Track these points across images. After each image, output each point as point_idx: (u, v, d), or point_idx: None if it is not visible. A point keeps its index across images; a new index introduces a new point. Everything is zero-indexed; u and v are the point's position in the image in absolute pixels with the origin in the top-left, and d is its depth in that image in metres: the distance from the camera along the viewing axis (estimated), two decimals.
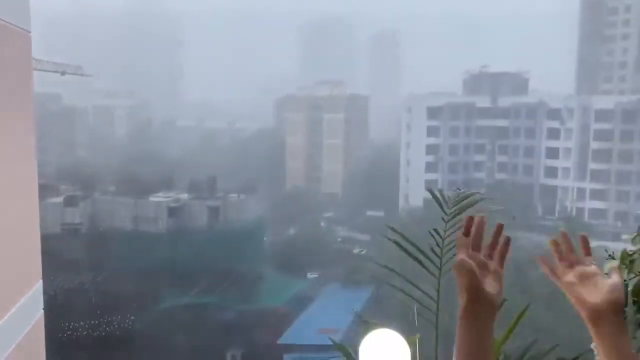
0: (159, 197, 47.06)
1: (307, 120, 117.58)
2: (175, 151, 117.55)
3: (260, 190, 52.90)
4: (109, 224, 45.43)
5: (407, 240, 4.09)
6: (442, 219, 4.00)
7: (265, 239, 53.96)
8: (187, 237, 45.13)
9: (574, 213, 75.01)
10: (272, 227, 67.18)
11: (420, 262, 4.06)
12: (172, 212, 45.50)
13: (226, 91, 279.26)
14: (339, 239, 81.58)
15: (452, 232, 3.77)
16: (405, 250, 4.05)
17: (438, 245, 3.94)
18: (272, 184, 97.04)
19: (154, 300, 43.14)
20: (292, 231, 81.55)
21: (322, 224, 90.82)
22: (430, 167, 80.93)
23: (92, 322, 36.70)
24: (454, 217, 3.84)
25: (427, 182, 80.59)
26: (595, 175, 74.71)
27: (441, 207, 4.02)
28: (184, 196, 47.74)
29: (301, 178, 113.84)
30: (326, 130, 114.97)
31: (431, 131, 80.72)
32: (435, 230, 4.00)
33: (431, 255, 3.99)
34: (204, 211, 46.31)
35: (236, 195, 48.07)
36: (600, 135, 74.38)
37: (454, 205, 3.90)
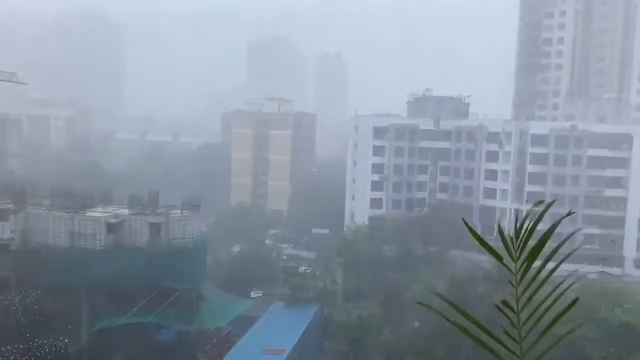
0: (97, 212, 45.10)
1: (254, 136, 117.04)
2: (115, 164, 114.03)
3: (204, 206, 51.70)
4: (42, 239, 42.99)
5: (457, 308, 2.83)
6: (507, 267, 2.72)
7: (208, 256, 52.64)
8: (127, 254, 43.35)
9: (511, 234, 77.70)
10: (216, 245, 65.94)
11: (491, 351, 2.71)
12: (111, 228, 43.62)
13: (171, 104, 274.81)
14: (285, 257, 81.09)
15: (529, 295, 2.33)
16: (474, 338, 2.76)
17: (513, 325, 2.77)
18: (217, 200, 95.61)
19: (90, 320, 41.12)
20: (236, 248, 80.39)
21: (267, 241, 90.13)
22: (375, 186, 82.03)
23: (21, 346, 34.41)
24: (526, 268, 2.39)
25: (373, 200, 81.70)
26: (532, 197, 77.91)
27: (509, 251, 2.75)
28: (124, 211, 45.94)
29: (247, 194, 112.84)
30: (273, 146, 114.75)
31: (377, 150, 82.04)
32: (505, 302, 2.80)
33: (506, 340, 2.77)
34: (145, 227, 44.66)
35: (179, 211, 46.72)
36: (536, 159, 77.81)
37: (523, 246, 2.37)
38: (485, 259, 67.33)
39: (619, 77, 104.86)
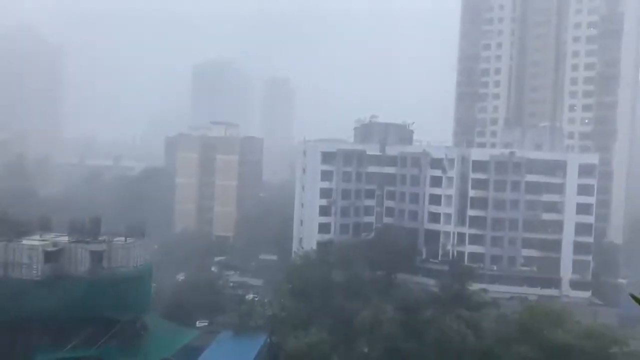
0: (34, 241, 42.77)
1: (199, 160, 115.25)
2: (53, 190, 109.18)
3: (148, 233, 50.06)
4: None
5: None
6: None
7: (153, 285, 50.81)
8: (66, 285, 41.20)
9: (455, 257, 79.47)
10: (161, 273, 63.79)
11: None
12: (49, 256, 41.39)
13: (112, 127, 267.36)
14: (232, 284, 79.39)
15: None
16: None
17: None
18: (161, 226, 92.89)
19: (26, 356, 38.57)
20: (181, 276, 78.10)
21: (213, 268, 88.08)
22: (323, 211, 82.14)
23: None
24: None
25: (321, 225, 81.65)
26: (474, 221, 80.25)
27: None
28: (64, 239, 43.82)
29: (192, 220, 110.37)
30: (219, 171, 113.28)
31: (325, 175, 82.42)
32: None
33: None
34: (86, 256, 42.72)
35: (122, 238, 45.05)
36: (478, 185, 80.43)
37: None
38: (432, 283, 68.66)
39: (551, 107, 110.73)
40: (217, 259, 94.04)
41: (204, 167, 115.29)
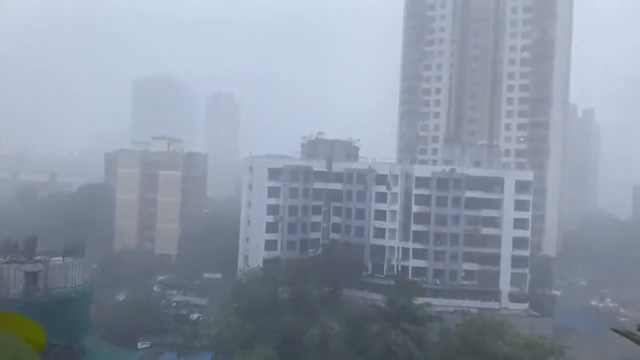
0: None
1: (141, 176, 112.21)
2: None
3: (87, 252, 48.18)
4: None
5: None
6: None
7: (92, 306, 48.75)
8: None
9: (399, 271, 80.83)
10: (100, 293, 61.33)
11: None
12: None
13: (48, 142, 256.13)
14: (175, 304, 77.23)
15: None
16: None
17: None
18: (101, 244, 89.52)
19: None
20: (122, 296, 75.35)
21: (155, 288, 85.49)
22: (270, 227, 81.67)
23: None
24: None
25: (267, 242, 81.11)
26: (417, 236, 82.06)
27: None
28: None
29: (133, 238, 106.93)
30: (162, 187, 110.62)
31: (272, 192, 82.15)
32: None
33: None
34: (20, 277, 40.60)
35: (60, 258, 43.13)
36: (420, 200, 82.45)
37: None
38: (378, 298, 69.41)
39: (489, 126, 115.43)
40: (159, 277, 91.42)
41: (145, 184, 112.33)
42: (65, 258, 43.45)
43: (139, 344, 60.17)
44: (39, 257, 42.91)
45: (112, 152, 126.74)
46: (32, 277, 41.12)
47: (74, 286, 43.03)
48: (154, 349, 58.79)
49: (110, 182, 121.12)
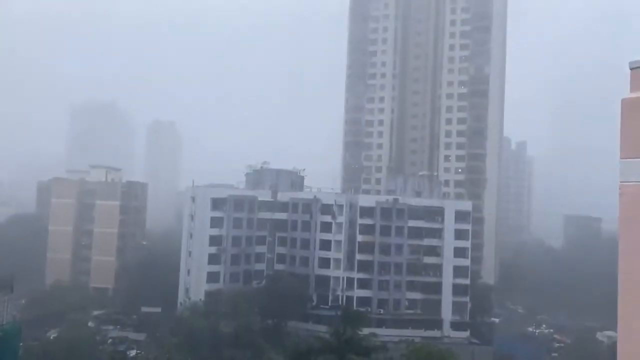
0: None
1: (76, 206, 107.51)
2: None
3: (16, 287, 45.19)
4: None
5: None
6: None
7: (20, 345, 45.52)
8: None
9: (344, 302, 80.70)
10: (30, 330, 57.48)
11: None
12: None
13: None
14: (110, 340, 73.43)
15: None
16: None
17: None
18: (31, 278, 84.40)
19: None
20: (53, 334, 70.96)
21: (90, 323, 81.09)
22: (212, 259, 79.82)
23: None
24: None
25: (209, 274, 79.13)
26: (361, 266, 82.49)
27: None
28: None
29: (66, 271, 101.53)
30: (99, 218, 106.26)
31: (214, 222, 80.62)
32: None
33: None
34: None
35: None
36: (365, 230, 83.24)
37: None
38: (323, 329, 68.76)
39: (429, 157, 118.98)
40: (95, 312, 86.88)
41: (81, 214, 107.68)
42: None
43: None
44: None
45: (46, 181, 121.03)
46: None
47: (1, 324, 40.06)
48: None
49: (43, 212, 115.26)
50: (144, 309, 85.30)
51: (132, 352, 64.06)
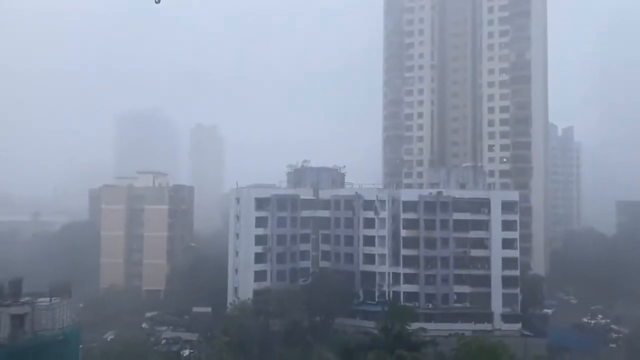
0: None
1: (126, 212, 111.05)
2: None
3: (73, 291, 47.12)
4: None
5: None
6: None
7: (80, 347, 47.48)
8: None
9: (391, 297, 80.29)
10: (88, 333, 59.88)
11: None
12: None
13: (27, 181, 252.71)
14: (164, 341, 75.57)
15: None
16: None
17: None
18: (87, 283, 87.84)
19: None
20: (110, 335, 73.66)
21: (144, 325, 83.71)
22: (259, 258, 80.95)
23: None
24: None
25: (257, 273, 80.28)
26: (407, 261, 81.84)
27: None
28: None
29: (119, 275, 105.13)
30: (148, 222, 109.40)
31: (259, 222, 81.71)
32: None
33: None
34: (6, 320, 39.53)
35: (46, 299, 42.11)
36: (409, 224, 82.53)
37: None
38: (371, 325, 68.73)
39: (472, 148, 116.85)
40: (148, 314, 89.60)
41: (131, 219, 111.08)
42: (51, 299, 42.41)
43: None
44: (24, 299, 41.78)
45: (97, 189, 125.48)
46: (18, 320, 39.96)
47: (61, 327, 41.89)
48: None
49: (95, 219, 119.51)
50: (195, 309, 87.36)
51: (186, 352, 65.70)
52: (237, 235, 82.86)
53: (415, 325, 62.15)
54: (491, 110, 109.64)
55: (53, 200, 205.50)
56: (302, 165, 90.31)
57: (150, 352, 65.32)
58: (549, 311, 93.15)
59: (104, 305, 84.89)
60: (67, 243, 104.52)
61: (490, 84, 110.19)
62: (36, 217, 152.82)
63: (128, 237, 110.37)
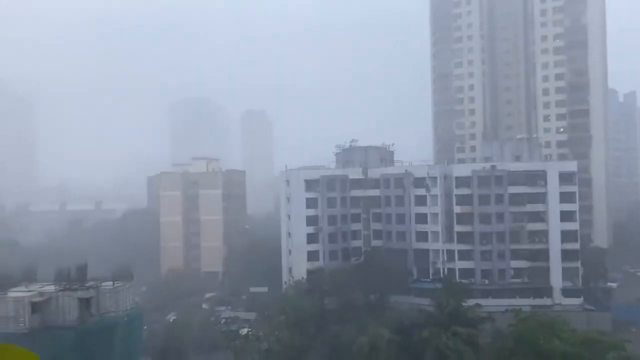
0: (19, 292, 41.78)
1: (183, 197, 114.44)
2: (35, 238, 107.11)
3: (135, 275, 49.21)
4: None
5: None
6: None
7: (145, 327, 49.78)
8: (55, 335, 40.11)
9: (445, 274, 79.43)
10: (150, 314, 62.56)
11: None
12: (36, 307, 40.37)
13: (89, 171, 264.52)
14: (223, 320, 78.05)
15: None
16: None
17: None
18: (147, 267, 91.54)
19: None
20: (172, 316, 76.72)
21: (204, 305, 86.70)
22: (311, 238, 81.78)
23: None
24: None
25: (310, 253, 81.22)
26: (461, 237, 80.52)
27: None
28: (50, 288, 42.85)
29: (179, 258, 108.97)
30: (203, 206, 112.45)
31: (310, 203, 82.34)
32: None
33: None
34: (74, 303, 41.76)
35: (110, 283, 44.18)
36: (462, 200, 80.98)
37: None
38: (425, 302, 68.34)
39: (526, 118, 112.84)
40: (207, 295, 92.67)
41: (187, 204, 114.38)
42: (115, 283, 44.45)
43: None
44: (90, 284, 43.98)
45: (154, 176, 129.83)
46: (85, 303, 42.20)
47: (125, 310, 43.93)
48: None
49: (153, 205, 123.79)
50: (252, 290, 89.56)
51: (244, 331, 67.59)
52: (289, 216, 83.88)
53: (471, 302, 61.29)
54: (545, 78, 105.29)
55: (114, 189, 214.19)
56: (350, 145, 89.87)
57: (211, 331, 67.73)
58: (614, 284, 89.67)
59: (165, 287, 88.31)
60: (128, 229, 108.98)
61: (544, 51, 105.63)
62: (98, 205, 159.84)
63: (186, 222, 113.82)
